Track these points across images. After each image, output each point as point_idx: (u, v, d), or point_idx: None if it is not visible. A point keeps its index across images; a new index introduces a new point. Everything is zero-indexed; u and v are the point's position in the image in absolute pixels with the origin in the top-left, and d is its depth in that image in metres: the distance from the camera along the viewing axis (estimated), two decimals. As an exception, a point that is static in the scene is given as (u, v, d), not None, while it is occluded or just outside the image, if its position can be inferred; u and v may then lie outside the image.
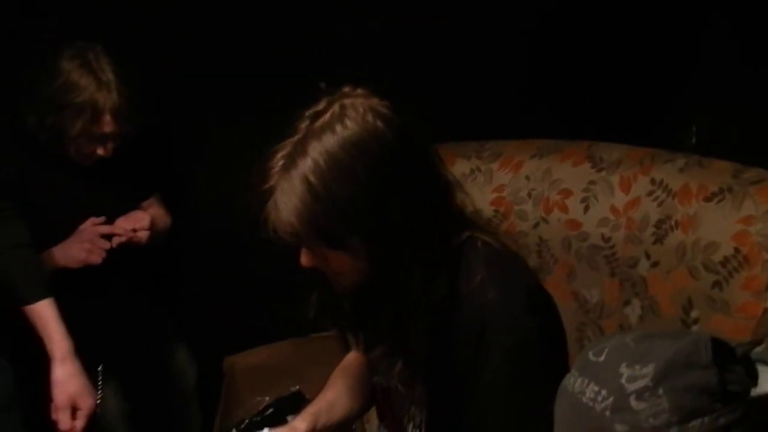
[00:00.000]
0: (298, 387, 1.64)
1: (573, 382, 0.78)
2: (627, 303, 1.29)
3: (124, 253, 1.66)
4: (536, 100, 2.02)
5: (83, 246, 1.59)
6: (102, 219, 1.63)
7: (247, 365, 1.80)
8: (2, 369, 1.33)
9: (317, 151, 0.92)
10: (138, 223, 1.64)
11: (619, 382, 0.72)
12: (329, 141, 0.92)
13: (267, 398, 1.63)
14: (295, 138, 0.95)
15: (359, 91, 0.97)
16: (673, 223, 1.23)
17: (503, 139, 1.60)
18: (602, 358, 0.75)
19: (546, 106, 2.00)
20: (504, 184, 1.49)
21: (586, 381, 0.76)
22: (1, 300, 1.30)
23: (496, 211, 1.48)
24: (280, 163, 0.94)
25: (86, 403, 1.29)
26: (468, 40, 1.98)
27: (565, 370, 1.10)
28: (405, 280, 0.96)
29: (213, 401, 1.92)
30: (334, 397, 1.29)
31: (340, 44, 1.87)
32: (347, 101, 0.95)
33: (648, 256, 1.26)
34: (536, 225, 1.42)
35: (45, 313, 1.24)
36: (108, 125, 1.55)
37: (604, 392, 0.73)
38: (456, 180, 1.05)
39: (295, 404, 1.60)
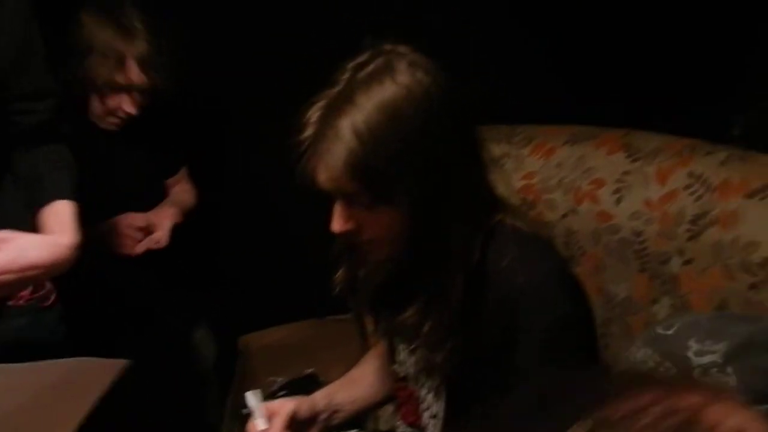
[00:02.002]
0: (312, 369, 1.62)
1: (635, 352, 0.74)
2: (656, 301, 1.23)
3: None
4: (573, 84, 1.95)
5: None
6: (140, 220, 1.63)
7: (261, 345, 1.79)
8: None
9: (366, 98, 0.92)
10: (162, 226, 1.64)
11: (685, 354, 0.68)
12: (378, 90, 0.92)
13: (280, 379, 1.61)
14: (338, 88, 0.94)
15: (402, 48, 0.96)
16: (710, 219, 1.17)
17: (537, 123, 1.54)
18: (671, 332, 0.71)
19: (583, 90, 1.92)
20: (534, 171, 1.43)
21: (650, 352, 0.72)
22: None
23: (524, 199, 1.42)
24: (321, 113, 0.93)
25: None
26: (503, 17, 1.92)
27: (594, 358, 1.06)
28: (445, 236, 0.96)
29: (229, 380, 1.91)
30: (358, 375, 1.28)
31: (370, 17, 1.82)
32: (393, 55, 0.95)
33: (681, 253, 1.20)
34: (565, 215, 1.37)
35: (65, 210, 1.14)
36: (133, 72, 1.53)
37: (667, 364, 0.69)
38: (492, 160, 1.04)
39: (308, 386, 1.58)
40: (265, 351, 1.76)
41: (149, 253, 1.71)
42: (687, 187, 1.21)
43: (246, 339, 1.82)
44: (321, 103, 0.94)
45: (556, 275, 1.00)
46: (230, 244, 1.94)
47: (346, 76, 0.95)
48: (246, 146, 1.89)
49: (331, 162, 0.92)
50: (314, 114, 0.94)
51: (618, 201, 1.30)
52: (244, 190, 1.92)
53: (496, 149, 1.49)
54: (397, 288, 1.06)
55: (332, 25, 1.79)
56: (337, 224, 0.98)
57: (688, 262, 1.18)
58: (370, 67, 0.94)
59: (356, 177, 0.92)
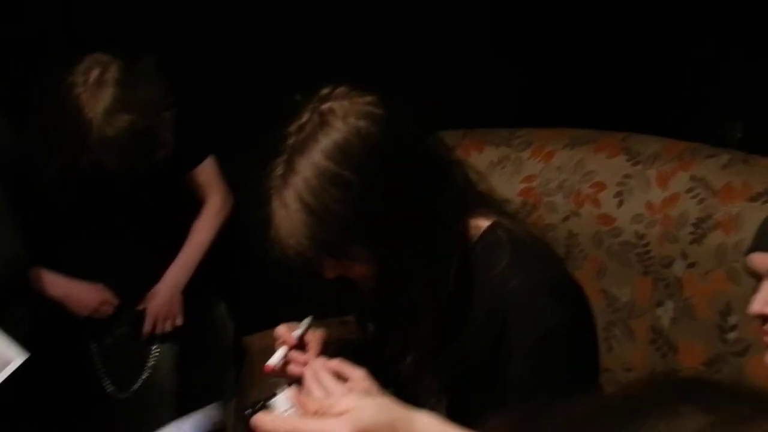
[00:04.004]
0: (313, 371, 1.62)
1: None
2: (659, 304, 1.24)
3: (160, 216, 1.66)
4: (570, 88, 1.96)
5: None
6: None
7: (264, 346, 1.78)
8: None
9: (303, 165, 0.90)
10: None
11: None
12: (313, 153, 0.89)
13: (283, 380, 1.61)
14: (285, 156, 0.92)
15: (338, 91, 0.93)
16: (713, 222, 1.18)
17: (535, 127, 1.54)
18: None
19: (581, 94, 1.93)
20: (534, 174, 1.44)
21: None
22: None
23: (525, 202, 1.43)
24: (275, 183, 0.92)
25: None
26: (502, 26, 1.92)
27: (594, 364, 1.07)
28: (408, 282, 0.94)
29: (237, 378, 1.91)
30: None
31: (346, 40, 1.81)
32: (326, 107, 0.91)
33: (684, 256, 1.21)
34: (566, 218, 1.37)
35: None
36: (95, 156, 1.44)
37: None
38: (473, 166, 1.02)
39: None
40: (267, 352, 1.75)
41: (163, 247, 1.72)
42: (689, 190, 1.23)
43: (248, 339, 1.82)
44: (275, 173, 0.93)
45: (550, 282, 0.97)
46: (234, 247, 1.94)
47: (290, 141, 0.92)
48: (248, 154, 1.88)
49: (286, 237, 0.91)
50: (271, 184, 0.93)
51: (619, 204, 1.31)
52: (247, 193, 1.91)
53: (495, 153, 1.50)
54: (382, 313, 1.07)
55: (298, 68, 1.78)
56: (327, 272, 0.99)
57: (691, 265, 1.19)
58: (308, 128, 0.91)
59: (313, 247, 0.91)
